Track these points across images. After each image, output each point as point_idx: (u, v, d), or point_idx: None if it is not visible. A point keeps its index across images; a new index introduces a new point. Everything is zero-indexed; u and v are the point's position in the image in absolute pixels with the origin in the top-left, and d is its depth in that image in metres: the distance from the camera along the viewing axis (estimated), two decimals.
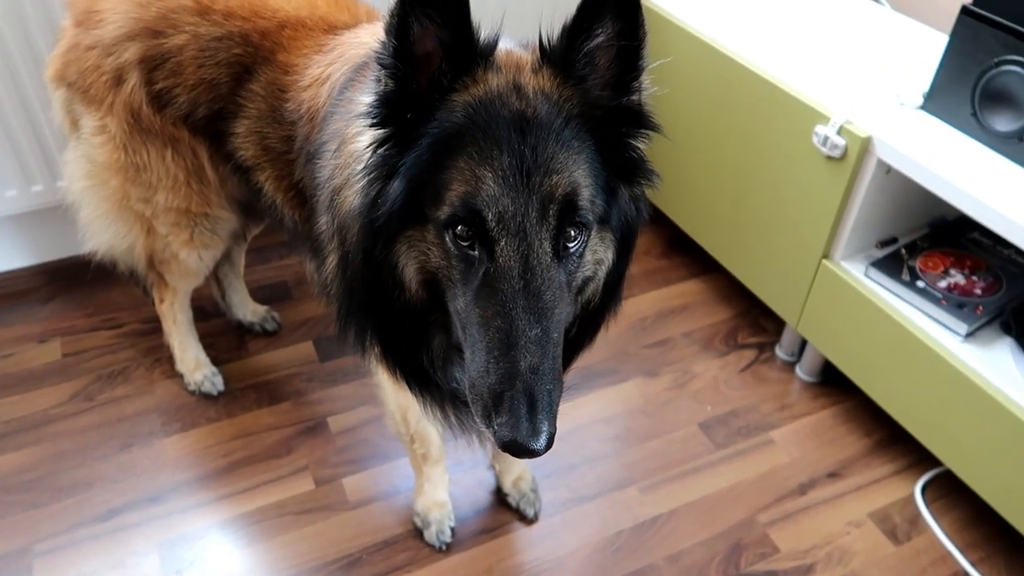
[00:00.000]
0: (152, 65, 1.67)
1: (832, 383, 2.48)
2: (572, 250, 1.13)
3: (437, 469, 2.04)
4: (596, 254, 1.20)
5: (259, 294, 2.70)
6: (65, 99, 1.87)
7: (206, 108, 1.68)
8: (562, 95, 1.11)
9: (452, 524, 2.08)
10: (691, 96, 2.52)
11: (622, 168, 1.18)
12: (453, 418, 1.53)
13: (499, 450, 2.08)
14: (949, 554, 2.06)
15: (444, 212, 1.09)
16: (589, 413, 2.41)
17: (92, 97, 1.78)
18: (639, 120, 1.18)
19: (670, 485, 2.22)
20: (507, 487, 2.15)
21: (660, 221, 2.94)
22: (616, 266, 1.27)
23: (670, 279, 2.87)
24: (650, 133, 1.20)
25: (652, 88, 1.21)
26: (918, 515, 2.15)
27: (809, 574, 2.02)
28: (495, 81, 1.11)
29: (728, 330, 2.69)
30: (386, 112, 1.13)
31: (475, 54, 1.11)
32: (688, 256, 2.94)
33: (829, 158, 2.08)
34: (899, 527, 2.13)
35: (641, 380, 2.51)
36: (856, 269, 2.19)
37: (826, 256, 2.23)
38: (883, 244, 2.25)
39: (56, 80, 1.86)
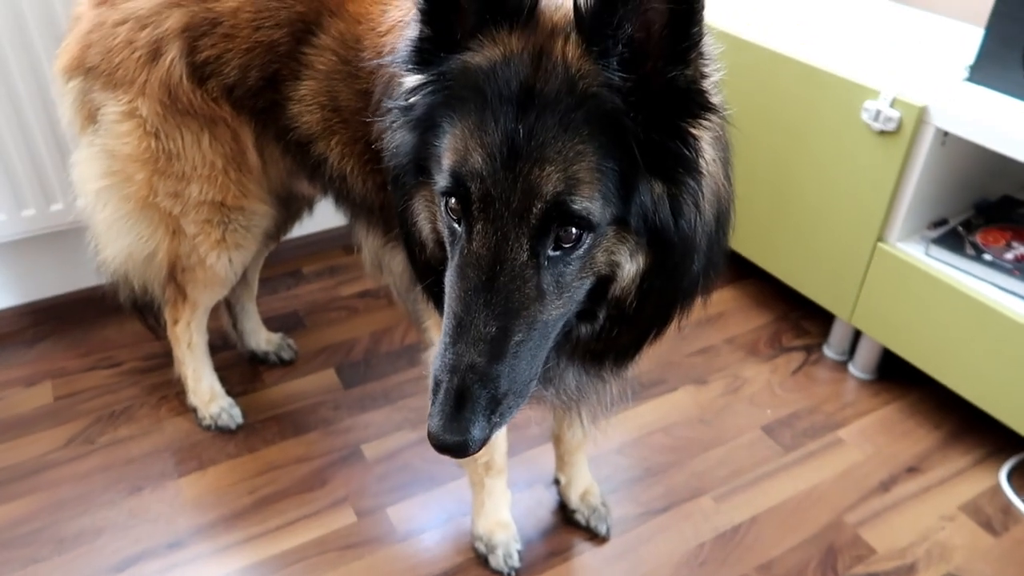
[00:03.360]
0: (198, 32, 1.53)
1: (889, 378, 2.38)
2: (561, 254, 0.99)
3: (500, 482, 1.84)
4: (612, 255, 1.03)
5: (270, 325, 2.49)
6: (81, 89, 1.70)
7: (259, 72, 1.53)
8: (584, 68, 0.95)
9: (519, 547, 1.87)
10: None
11: (660, 160, 0.98)
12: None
13: (564, 459, 1.92)
14: None
15: (441, 179, 1.01)
16: (644, 424, 2.24)
17: (120, 79, 1.62)
18: (689, 101, 0.97)
19: (745, 492, 2.05)
20: (574, 502, 1.95)
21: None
22: (655, 276, 1.07)
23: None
24: (707, 118, 0.99)
25: (716, 67, 0.99)
26: (1009, 504, 2.02)
27: (912, 573, 1.86)
28: (516, 44, 0.98)
29: (770, 334, 2.57)
30: (419, 58, 1.04)
31: (501, 12, 0.98)
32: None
33: (882, 133, 2.03)
34: (993, 517, 1.99)
35: (691, 388, 2.37)
36: (915, 250, 2.12)
37: (881, 239, 2.16)
38: (935, 225, 2.19)
39: (71, 70, 1.70)
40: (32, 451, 2.10)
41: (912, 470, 2.11)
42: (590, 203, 0.96)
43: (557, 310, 1.03)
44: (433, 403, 0.99)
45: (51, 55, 1.87)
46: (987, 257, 2.02)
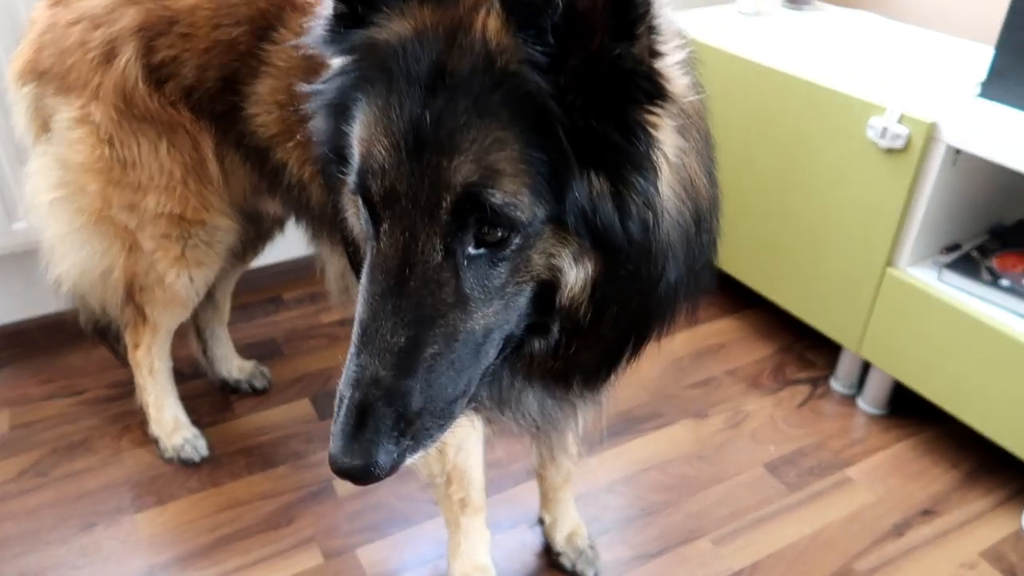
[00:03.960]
0: (154, 32, 1.44)
1: (902, 413, 2.22)
2: (486, 254, 0.86)
3: (477, 521, 1.68)
4: (551, 257, 0.90)
5: (245, 353, 2.36)
6: (34, 95, 1.60)
7: (217, 72, 1.43)
8: (504, 42, 0.82)
9: None
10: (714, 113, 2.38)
11: (600, 151, 0.85)
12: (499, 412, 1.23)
13: (549, 497, 1.77)
14: None
15: (350, 175, 0.89)
16: (638, 460, 2.09)
17: (72, 82, 1.52)
18: (633, 83, 0.83)
19: (747, 534, 1.89)
20: (559, 544, 1.80)
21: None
22: (608, 285, 0.93)
23: (699, 319, 2.63)
24: (659, 104, 0.86)
25: (676, 44, 0.86)
26: None
27: None
28: (429, 18, 0.86)
29: (774, 366, 2.43)
30: (333, 37, 0.92)
31: None
32: (714, 296, 2.72)
33: (889, 151, 1.92)
34: (1017, 565, 1.82)
35: (690, 422, 2.22)
36: (927, 275, 1.99)
37: (890, 264, 2.03)
38: (948, 251, 2.06)
39: (23, 75, 1.60)
40: None
41: (927, 513, 1.95)
42: (515, 198, 0.82)
43: (487, 319, 0.90)
44: (335, 422, 0.86)
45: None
46: (1004, 283, 1.88)
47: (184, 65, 1.45)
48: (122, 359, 2.08)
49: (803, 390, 2.34)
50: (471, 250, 0.85)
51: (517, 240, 0.86)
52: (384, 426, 0.84)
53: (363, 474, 0.84)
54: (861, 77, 2.07)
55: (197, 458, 2.02)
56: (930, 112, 1.86)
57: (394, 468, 0.86)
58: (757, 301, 2.57)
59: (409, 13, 0.86)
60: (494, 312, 0.89)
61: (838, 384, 2.33)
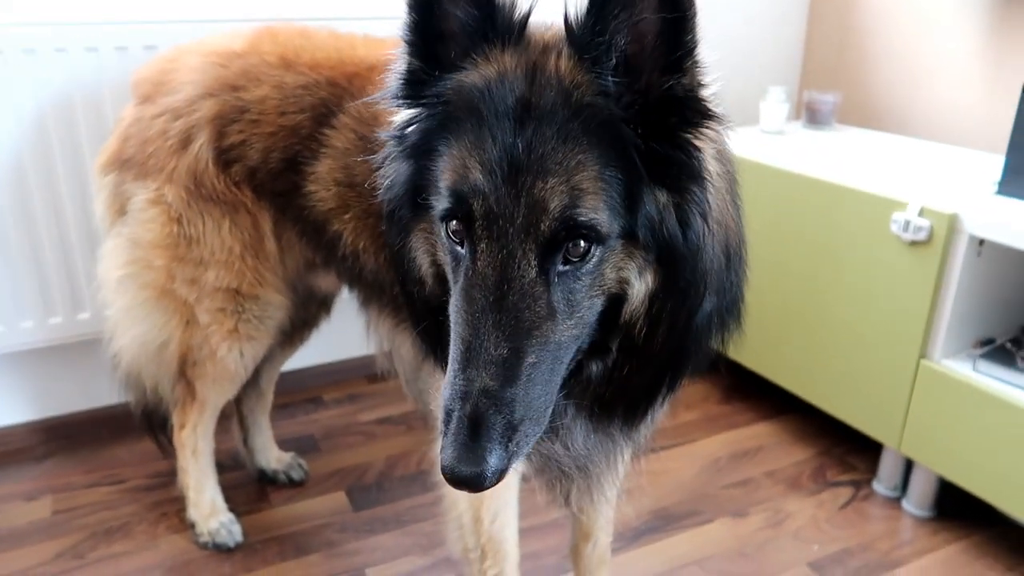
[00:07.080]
0: (227, 120, 1.60)
1: (950, 516, 2.15)
2: (571, 270, 0.94)
3: None
4: (621, 271, 0.98)
5: (284, 447, 2.39)
6: (115, 183, 1.77)
7: (281, 153, 1.58)
8: (578, 78, 0.94)
9: None
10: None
11: (662, 169, 0.95)
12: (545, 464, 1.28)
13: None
14: None
15: (441, 202, 0.98)
16: (676, 556, 2.03)
17: (151, 168, 1.68)
18: (688, 110, 0.95)
19: None
20: None
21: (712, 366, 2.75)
22: (665, 298, 1.01)
23: (736, 423, 2.62)
24: (708, 126, 0.97)
25: (713, 77, 0.97)
26: None
27: None
28: (509, 62, 0.98)
29: (814, 469, 2.38)
30: (410, 90, 1.04)
31: (492, 31, 0.99)
32: (750, 401, 2.71)
33: (913, 243, 1.98)
34: None
35: (729, 520, 2.17)
36: (962, 366, 1.99)
37: (924, 356, 2.04)
38: (982, 344, 2.07)
39: (108, 165, 1.78)
40: (17, 565, 1.97)
41: None
42: (596, 213, 0.92)
43: (569, 331, 0.97)
44: (445, 434, 0.91)
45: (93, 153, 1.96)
46: None
47: (251, 148, 1.61)
48: (164, 449, 2.14)
49: (845, 492, 2.28)
50: (560, 267, 0.93)
51: (597, 254, 0.94)
52: (496, 433, 0.89)
53: (478, 481, 0.88)
54: (882, 179, 2.17)
55: (232, 543, 2.02)
56: (950, 205, 1.94)
57: (502, 474, 0.90)
58: (793, 405, 2.56)
59: (492, 58, 0.99)
60: (573, 324, 0.97)
61: (881, 486, 2.28)
